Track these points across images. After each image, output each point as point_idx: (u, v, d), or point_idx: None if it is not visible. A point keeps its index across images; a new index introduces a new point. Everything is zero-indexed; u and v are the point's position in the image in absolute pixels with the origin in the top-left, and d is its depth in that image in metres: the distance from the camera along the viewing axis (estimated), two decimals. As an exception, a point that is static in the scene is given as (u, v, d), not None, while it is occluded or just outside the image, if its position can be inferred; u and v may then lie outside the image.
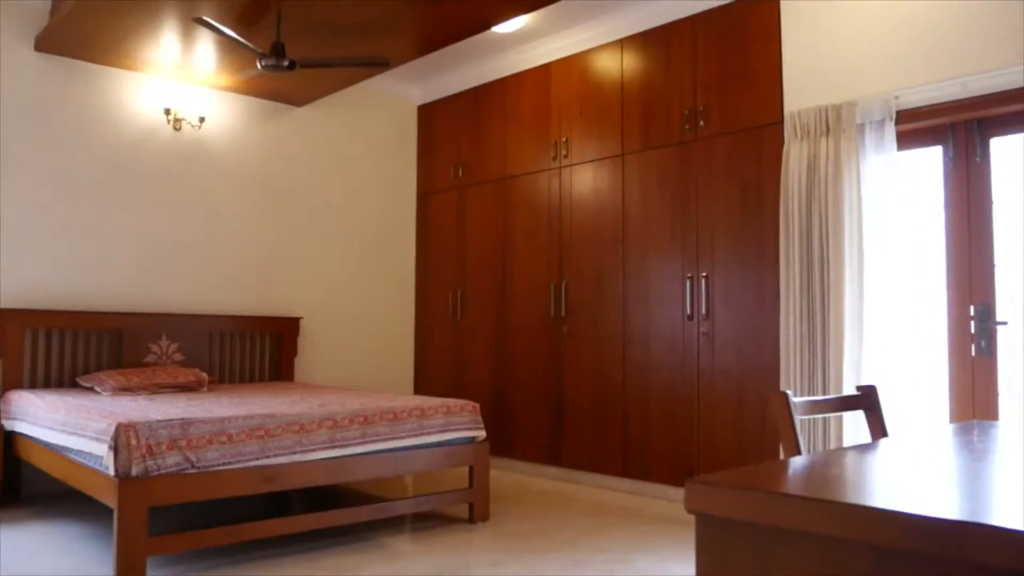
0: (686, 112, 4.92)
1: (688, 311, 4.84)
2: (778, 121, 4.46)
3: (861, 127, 4.10)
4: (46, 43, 5.10)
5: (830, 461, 1.62)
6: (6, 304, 4.98)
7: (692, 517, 1.29)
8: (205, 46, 5.07)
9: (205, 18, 4.24)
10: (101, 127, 5.44)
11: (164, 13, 4.55)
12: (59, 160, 5.25)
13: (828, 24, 4.30)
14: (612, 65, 5.40)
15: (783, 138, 4.38)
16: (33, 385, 5.02)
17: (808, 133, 4.25)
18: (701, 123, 4.84)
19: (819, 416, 4.02)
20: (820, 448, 4.07)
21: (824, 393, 4.08)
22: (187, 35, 4.88)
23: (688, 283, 4.85)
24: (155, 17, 4.61)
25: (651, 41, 5.18)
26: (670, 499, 4.85)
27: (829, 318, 4.09)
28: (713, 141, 4.79)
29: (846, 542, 1.10)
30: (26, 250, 5.09)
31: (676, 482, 4.83)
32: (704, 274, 4.77)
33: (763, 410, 4.43)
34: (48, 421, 4.09)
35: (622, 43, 5.35)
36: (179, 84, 5.75)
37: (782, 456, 2.09)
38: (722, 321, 4.68)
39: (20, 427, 4.46)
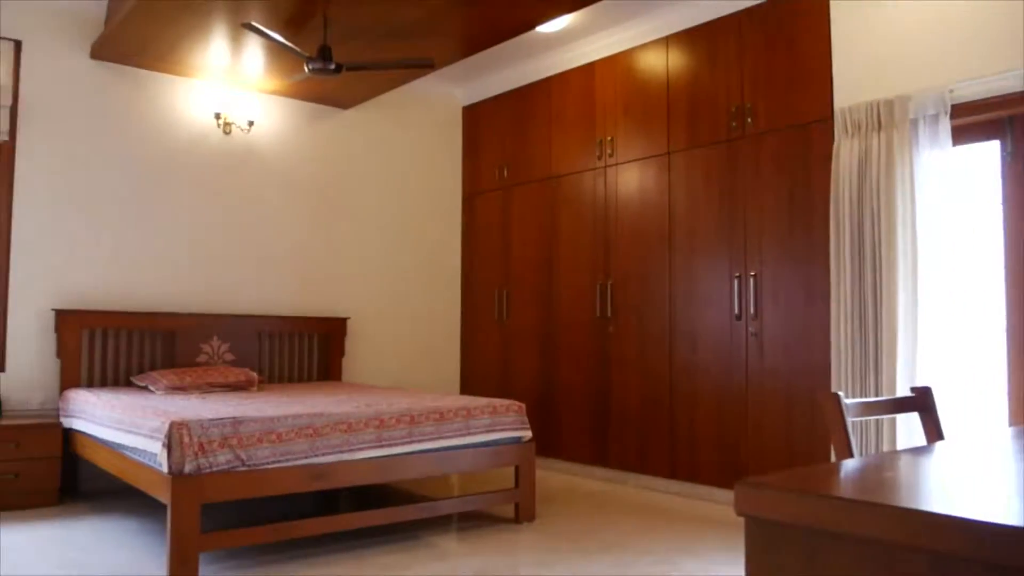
0: (733, 109, 4.87)
1: (736, 311, 4.78)
2: (828, 117, 4.38)
3: (914, 122, 4.01)
4: (101, 51, 5.23)
5: (884, 464, 1.59)
6: (64, 305, 5.11)
7: (741, 520, 1.27)
8: (254, 51, 5.15)
9: (254, 23, 4.31)
10: (154, 132, 5.56)
11: (214, 19, 4.63)
12: (114, 164, 5.38)
13: (879, 16, 4.21)
14: (657, 63, 5.36)
15: (833, 134, 4.31)
16: (90, 384, 5.15)
17: (859, 129, 4.17)
18: (748, 120, 4.78)
19: (872, 418, 3.95)
20: (872, 451, 3.99)
21: (876, 395, 4.00)
22: (236, 41, 4.96)
23: (736, 282, 4.79)
24: (205, 23, 4.70)
25: (697, 38, 5.13)
26: (718, 501, 4.79)
27: (882, 318, 4.01)
28: (761, 138, 4.73)
29: (900, 547, 1.07)
30: (83, 253, 5.23)
31: (724, 484, 4.78)
32: (752, 273, 4.71)
33: (813, 412, 4.36)
34: (104, 419, 4.19)
35: (667, 41, 5.30)
36: (229, 89, 5.85)
37: (833, 459, 2.06)
38: (771, 321, 4.62)
39: (78, 424, 4.57)
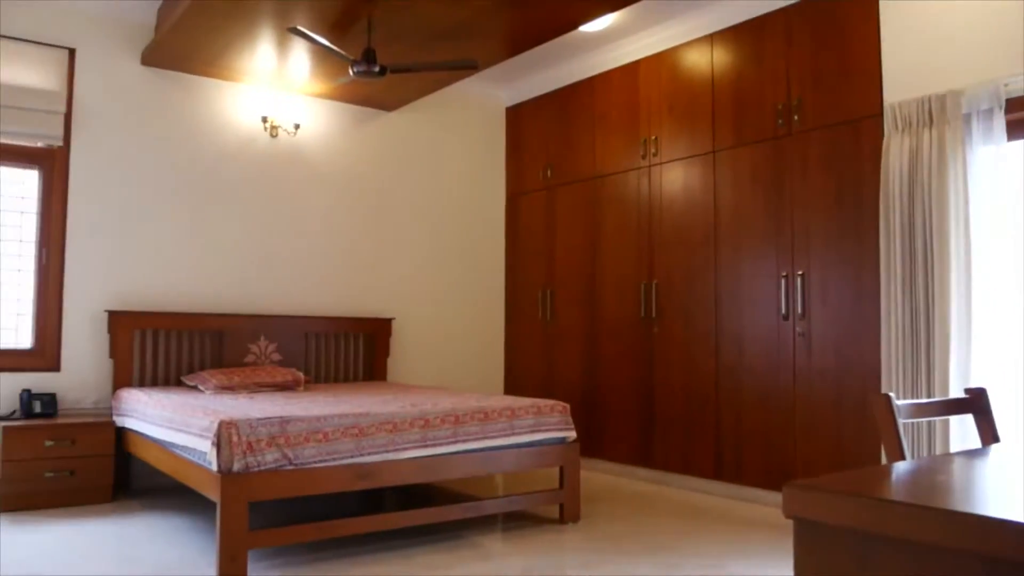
0: (779, 107, 4.80)
1: (783, 310, 4.72)
2: (877, 113, 4.30)
3: (967, 117, 3.92)
4: (151, 57, 5.34)
5: (936, 467, 1.55)
6: (117, 307, 5.23)
7: (788, 522, 1.25)
8: (299, 55, 5.21)
9: (299, 28, 4.36)
10: (202, 136, 5.66)
11: (261, 25, 4.70)
12: (164, 168, 5.49)
13: (930, 9, 4.12)
14: (702, 61, 5.32)
15: (883, 131, 4.23)
16: (141, 383, 5.26)
17: (909, 125, 4.09)
18: (795, 117, 4.72)
19: (924, 420, 3.87)
20: (925, 454, 3.91)
21: (928, 396, 3.92)
22: (282, 45, 5.03)
23: (783, 282, 4.73)
24: (252, 29, 4.77)
25: (742, 35, 5.07)
26: (764, 503, 4.73)
27: (934, 318, 3.92)
28: (808, 136, 4.66)
29: (954, 552, 1.05)
30: (134, 255, 5.34)
31: (771, 486, 4.72)
32: (800, 272, 4.65)
33: (863, 413, 4.29)
34: (155, 418, 4.27)
35: (712, 38, 5.25)
36: (275, 92, 5.93)
37: (884, 461, 2.02)
38: (819, 321, 4.55)
39: (130, 423, 4.67)
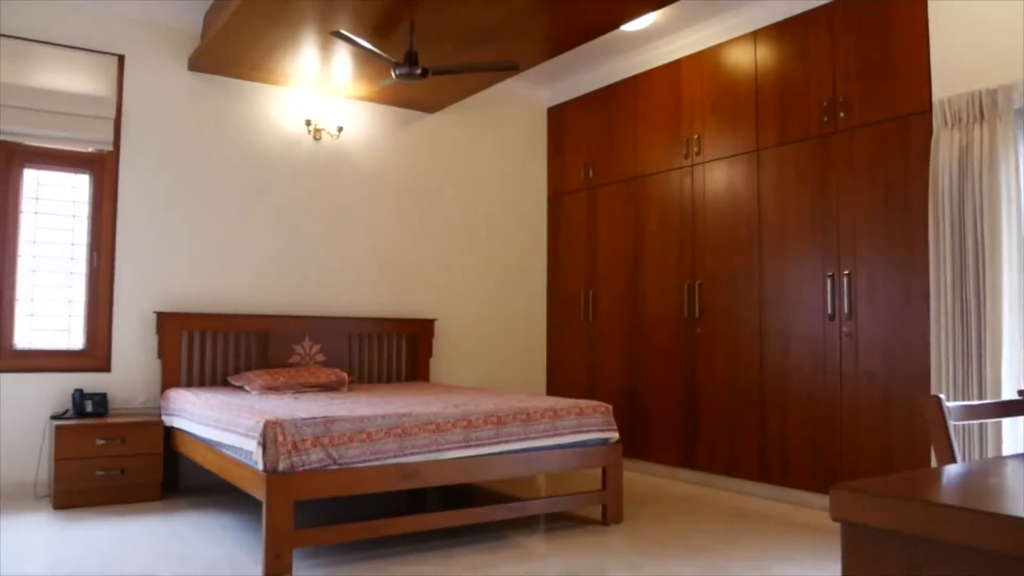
0: (825, 104, 4.73)
1: (829, 311, 4.65)
2: (926, 109, 4.22)
3: (1020, 112, 3.82)
4: (198, 63, 5.43)
5: (989, 470, 1.52)
6: (165, 308, 5.33)
7: (835, 526, 1.24)
8: (342, 58, 5.26)
9: (342, 31, 4.40)
10: (247, 139, 5.75)
11: (304, 29, 4.76)
12: (211, 171, 5.58)
13: (980, 1, 4.02)
14: (745, 58, 5.26)
15: (932, 127, 4.14)
16: (189, 384, 5.35)
17: (959, 121, 4.00)
18: (841, 115, 4.64)
19: (975, 422, 3.78)
20: (976, 457, 3.82)
21: (980, 398, 3.83)
22: (325, 49, 5.08)
23: (829, 282, 4.66)
24: (296, 33, 4.83)
25: (786, 32, 5.01)
26: (811, 506, 4.67)
27: (985, 318, 3.83)
28: (854, 133, 4.58)
29: (1007, 558, 1.02)
30: (182, 257, 5.44)
31: (817, 488, 4.65)
32: (846, 272, 4.57)
33: (911, 415, 4.20)
34: (202, 418, 4.34)
35: (755, 35, 5.20)
36: (319, 96, 6.00)
37: (934, 464, 1.98)
38: (866, 321, 4.47)
39: (178, 423, 4.76)
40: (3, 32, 4.96)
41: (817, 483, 4.66)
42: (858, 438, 4.47)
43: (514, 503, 4.19)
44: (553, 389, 6.85)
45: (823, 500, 4.59)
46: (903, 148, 4.34)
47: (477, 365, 6.64)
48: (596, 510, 4.42)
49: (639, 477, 5.69)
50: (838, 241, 4.63)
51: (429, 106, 6.38)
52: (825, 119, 4.73)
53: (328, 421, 3.56)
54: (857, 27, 4.60)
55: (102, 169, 5.27)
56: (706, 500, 4.98)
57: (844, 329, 4.57)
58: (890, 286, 4.37)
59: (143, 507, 4.63)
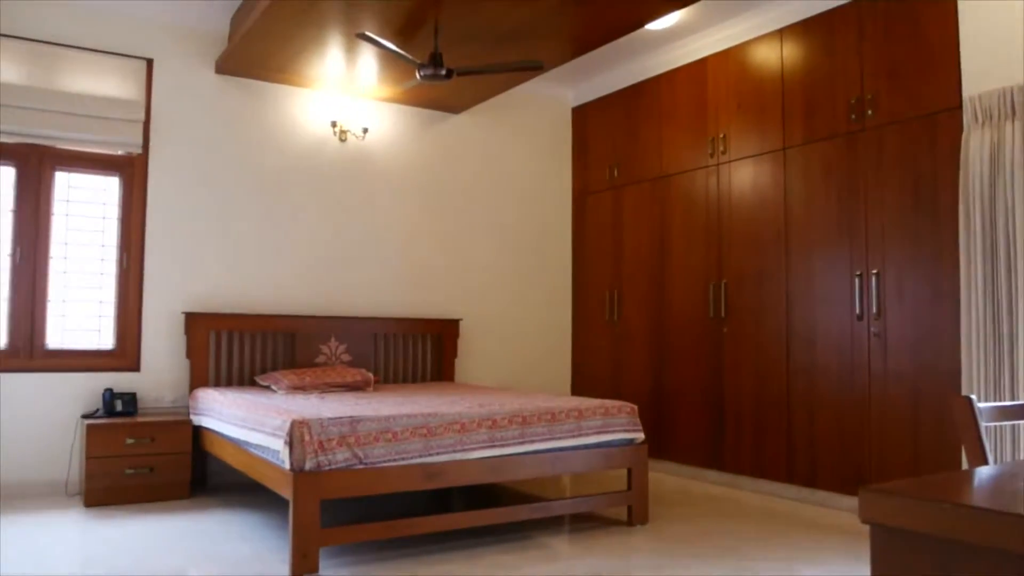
0: (852, 101, 4.69)
1: (857, 310, 4.60)
2: (956, 106, 4.16)
3: (1053, 109, 3.76)
4: (225, 66, 5.48)
5: (1020, 472, 1.49)
6: (193, 308, 5.38)
7: (863, 527, 1.22)
8: (367, 60, 5.29)
9: (367, 33, 4.42)
10: (274, 141, 5.79)
11: (329, 32, 4.79)
12: (238, 173, 5.63)
13: (1012, -1, 3.97)
14: (771, 56, 5.22)
15: (962, 124, 4.08)
16: (217, 383, 5.39)
17: (991, 118, 3.94)
18: (869, 112, 4.59)
19: (1007, 423, 3.72)
20: (1008, 459, 3.77)
21: (1012, 399, 3.77)
22: (350, 51, 5.11)
23: (857, 281, 4.61)
24: (321, 36, 4.86)
25: (813, 29, 4.97)
26: (839, 507, 4.62)
27: (1017, 318, 3.77)
28: (883, 130, 4.53)
29: (1043, 561, 1.00)
30: (209, 258, 5.49)
31: (845, 490, 4.60)
32: (875, 272, 4.52)
33: (942, 416, 4.15)
34: (230, 417, 4.38)
35: (781, 33, 5.16)
36: (344, 97, 6.03)
37: (965, 466, 1.95)
38: (895, 321, 4.42)
39: (206, 422, 4.80)
40: (35, 37, 5.03)
41: (845, 484, 4.61)
42: (887, 439, 4.42)
43: (539, 503, 4.19)
44: (578, 389, 6.84)
45: (851, 502, 4.54)
46: (933, 145, 4.29)
47: (502, 365, 6.64)
48: (621, 511, 4.40)
49: (665, 478, 5.66)
50: (866, 240, 4.58)
51: (454, 107, 6.39)
52: (853, 117, 4.69)
53: (354, 421, 3.58)
54: (885, 23, 4.55)
55: (131, 171, 5.34)
56: (732, 501, 4.94)
57: (872, 329, 4.52)
58: (919, 285, 4.32)
59: (172, 505, 4.68)
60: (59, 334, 5.10)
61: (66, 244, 5.15)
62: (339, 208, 6.01)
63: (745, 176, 5.38)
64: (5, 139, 4.95)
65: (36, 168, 5.07)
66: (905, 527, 1.16)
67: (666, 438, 5.84)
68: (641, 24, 4.79)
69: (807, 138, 4.97)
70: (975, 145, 3.98)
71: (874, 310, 4.52)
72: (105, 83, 5.25)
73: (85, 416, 4.92)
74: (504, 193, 6.78)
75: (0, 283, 4.96)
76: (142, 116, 5.32)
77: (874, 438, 4.49)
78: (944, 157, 4.21)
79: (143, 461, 4.73)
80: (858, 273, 4.61)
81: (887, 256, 4.47)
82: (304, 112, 5.91)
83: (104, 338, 5.24)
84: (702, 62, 5.75)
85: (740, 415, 5.30)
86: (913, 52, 4.40)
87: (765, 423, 5.12)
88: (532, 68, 4.92)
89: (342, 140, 6.03)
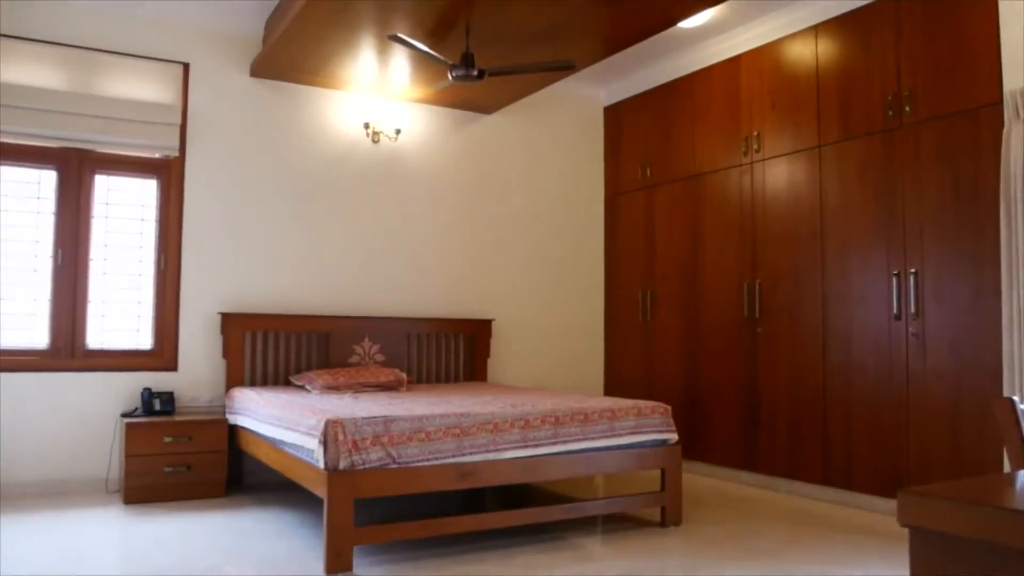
0: (889, 97, 4.62)
1: (895, 310, 4.53)
2: (996, 101, 4.08)
3: (1097, 103, 3.68)
4: (260, 69, 5.54)
5: (1066, 475, 1.46)
6: (229, 309, 5.44)
7: (901, 531, 1.20)
8: (399, 62, 5.31)
9: (400, 35, 4.44)
10: (307, 143, 5.84)
11: (362, 34, 4.82)
12: (272, 175, 5.69)
13: (1055, -8, 3.88)
14: (806, 53, 5.16)
15: (1003, 119, 4.01)
16: (252, 383, 5.45)
17: (1032, 113, 3.86)
18: (907, 108, 4.52)
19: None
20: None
21: (1056, 399, 3.69)
22: (383, 53, 5.14)
23: (895, 280, 4.54)
24: (354, 38, 4.89)
25: (848, 25, 4.90)
26: (876, 510, 4.56)
27: (1061, 316, 3.69)
28: (921, 127, 4.46)
29: (1088, 566, 0.98)
30: (245, 259, 5.55)
31: (883, 492, 4.54)
32: (913, 270, 4.45)
33: (982, 417, 4.07)
34: (265, 416, 4.43)
35: (816, 29, 5.10)
36: (376, 99, 6.07)
37: (1007, 468, 1.91)
38: (934, 320, 4.35)
39: (242, 421, 4.85)
40: (75, 43, 5.13)
41: (883, 487, 4.55)
42: (926, 441, 4.35)
43: (572, 504, 4.18)
44: (610, 390, 6.81)
45: (889, 504, 4.48)
46: (972, 141, 4.21)
47: (534, 365, 6.64)
48: (655, 512, 4.38)
49: (698, 479, 5.62)
50: (904, 238, 4.51)
51: (485, 107, 6.40)
52: (890, 113, 4.62)
53: (387, 420, 3.60)
54: (922, 18, 4.48)
55: (168, 174, 5.41)
56: (767, 503, 4.90)
57: (911, 328, 4.45)
58: (959, 284, 4.24)
59: (208, 503, 4.74)
60: (99, 334, 5.19)
61: (105, 246, 5.24)
62: (372, 209, 6.05)
63: (780, 174, 5.32)
64: (47, 143, 5.05)
65: (76, 171, 5.17)
66: (945, 531, 1.14)
67: (700, 439, 5.80)
68: (673, 22, 4.76)
69: (843, 135, 4.90)
70: (1016, 140, 3.90)
71: (912, 309, 4.45)
72: (143, 87, 5.33)
73: (124, 415, 5.00)
74: (536, 193, 6.78)
75: (42, 285, 5.06)
76: (179, 120, 5.39)
77: (913, 440, 4.42)
78: (985, 153, 4.14)
79: (181, 459, 4.79)
80: (895, 272, 4.54)
81: (926, 254, 4.40)
82: (337, 114, 5.96)
83: (142, 338, 5.32)
84: (735, 60, 5.70)
85: (775, 416, 5.24)
86: (952, 46, 4.32)
87: (800, 424, 5.06)
88: (564, 68, 4.92)
89: (375, 141, 6.06)
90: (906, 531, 1.20)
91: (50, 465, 4.91)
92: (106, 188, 5.28)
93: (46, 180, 5.12)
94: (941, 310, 4.32)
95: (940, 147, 4.36)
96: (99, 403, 5.07)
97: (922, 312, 4.40)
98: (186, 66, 5.47)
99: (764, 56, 5.47)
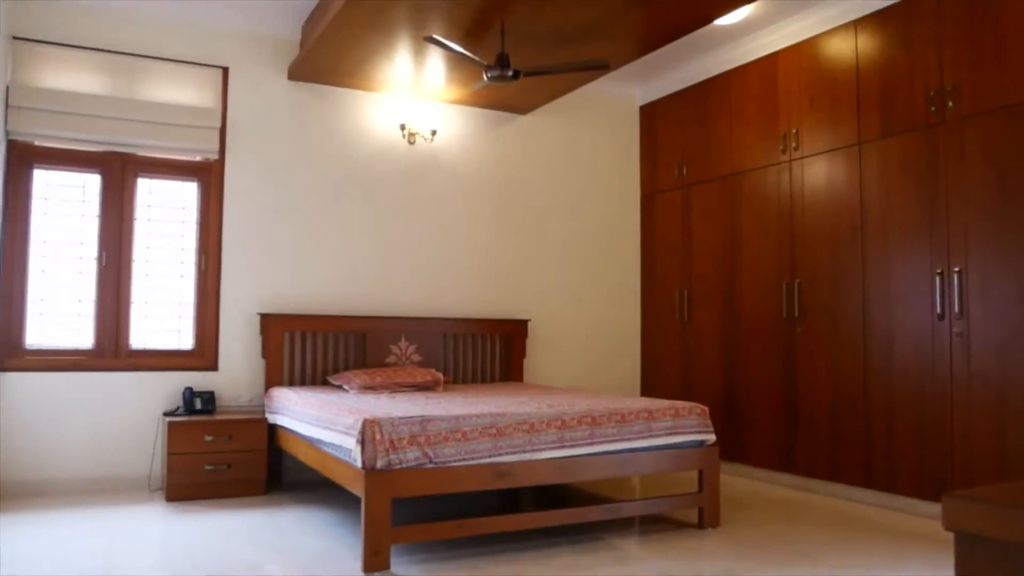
0: (931, 93, 4.54)
1: (939, 310, 4.45)
2: (1043, 97, 3.99)
3: None
4: (297, 72, 5.60)
5: (1117, 478, 1.43)
6: (268, 309, 5.51)
7: (947, 536, 1.18)
8: (435, 63, 5.34)
9: (435, 37, 4.46)
10: (344, 145, 5.89)
11: (398, 36, 4.85)
12: (310, 177, 5.74)
13: (1104, -17, 3.79)
14: (845, 48, 5.09)
15: (1050, 115, 3.92)
16: (291, 382, 5.51)
17: (1081, 108, 3.77)
18: (949, 104, 4.44)
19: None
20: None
21: (1106, 401, 3.60)
22: (418, 54, 5.16)
23: (938, 280, 4.46)
24: (390, 40, 4.92)
25: (889, 19, 4.83)
26: (920, 514, 4.48)
27: (1111, 316, 3.60)
28: (964, 122, 4.38)
29: None
30: (283, 260, 5.61)
31: (927, 495, 4.46)
32: (956, 269, 4.37)
33: (1030, 419, 3.99)
34: (304, 416, 4.47)
35: (855, 25, 5.02)
36: (412, 100, 6.10)
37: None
38: (979, 320, 4.26)
39: (281, 420, 4.91)
40: (117, 49, 5.22)
41: (926, 490, 4.47)
42: (971, 443, 4.27)
43: (609, 504, 4.17)
44: (647, 390, 6.78)
45: (932, 508, 4.40)
46: (1018, 136, 4.12)
47: (571, 366, 6.63)
48: (692, 513, 4.35)
49: (736, 480, 5.57)
50: (948, 236, 4.43)
51: (521, 108, 6.40)
52: (932, 109, 4.54)
53: (424, 420, 3.61)
54: (965, 11, 4.39)
55: (208, 177, 5.49)
56: (807, 505, 4.84)
57: (955, 329, 4.37)
58: (1005, 283, 4.16)
59: (248, 501, 4.80)
60: (142, 335, 5.29)
61: (148, 248, 5.33)
62: (409, 210, 6.08)
63: (819, 172, 5.26)
64: (91, 147, 5.15)
65: (119, 175, 5.26)
66: (991, 535, 1.12)
67: (738, 440, 5.75)
68: (709, 20, 4.72)
69: (883, 132, 4.83)
70: (1064, 137, 3.81)
71: (956, 309, 4.37)
72: (184, 92, 5.41)
73: (167, 414, 5.09)
74: (572, 193, 6.77)
75: (87, 286, 5.16)
76: (218, 123, 5.47)
77: (957, 442, 4.34)
78: (1030, 150, 4.05)
79: (221, 458, 4.86)
80: (939, 271, 4.46)
81: (970, 253, 4.32)
82: (373, 115, 6.00)
83: (184, 338, 5.40)
84: (773, 57, 5.64)
85: (814, 417, 5.18)
86: (996, 39, 4.24)
87: (841, 426, 4.99)
88: (598, 67, 4.90)
89: (410, 142, 6.10)
90: (951, 536, 1.17)
91: (94, 463, 5.01)
92: (148, 191, 5.37)
93: (90, 184, 5.22)
94: (986, 310, 4.23)
95: (984, 143, 4.28)
96: (142, 402, 5.16)
97: (966, 312, 4.32)
98: (225, 70, 5.55)
99: (802, 53, 5.41)
